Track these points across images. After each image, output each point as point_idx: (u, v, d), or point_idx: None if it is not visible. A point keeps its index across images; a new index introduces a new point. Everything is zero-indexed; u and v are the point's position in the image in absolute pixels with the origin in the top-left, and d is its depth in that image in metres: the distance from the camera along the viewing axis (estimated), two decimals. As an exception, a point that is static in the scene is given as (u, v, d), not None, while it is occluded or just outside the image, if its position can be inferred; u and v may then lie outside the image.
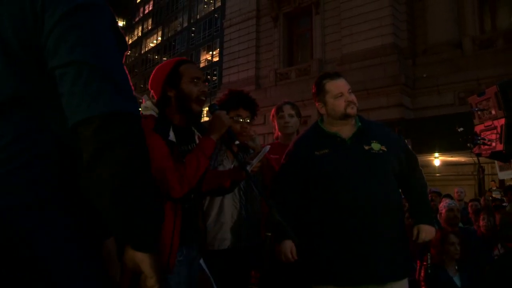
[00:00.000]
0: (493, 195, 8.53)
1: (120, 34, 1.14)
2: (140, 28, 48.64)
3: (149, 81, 2.21)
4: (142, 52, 45.73)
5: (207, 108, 2.40)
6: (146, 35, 47.20)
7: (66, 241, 1.01)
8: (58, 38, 0.99)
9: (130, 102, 1.02)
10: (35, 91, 1.04)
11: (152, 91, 2.20)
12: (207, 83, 2.28)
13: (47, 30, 1.00)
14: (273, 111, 3.29)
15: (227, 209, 2.63)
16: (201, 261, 2.32)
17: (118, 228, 1.03)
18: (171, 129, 2.04)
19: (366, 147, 2.42)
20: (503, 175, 5.15)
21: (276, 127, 3.27)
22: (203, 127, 2.27)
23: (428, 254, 3.26)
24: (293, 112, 3.21)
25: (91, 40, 1.00)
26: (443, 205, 4.77)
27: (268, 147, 2.45)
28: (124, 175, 0.98)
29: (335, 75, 2.58)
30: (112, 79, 1.00)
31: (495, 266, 2.69)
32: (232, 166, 2.71)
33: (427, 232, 2.45)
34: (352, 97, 2.50)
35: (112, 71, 1.01)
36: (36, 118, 1.04)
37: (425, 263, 3.52)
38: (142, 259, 1.06)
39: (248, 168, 2.31)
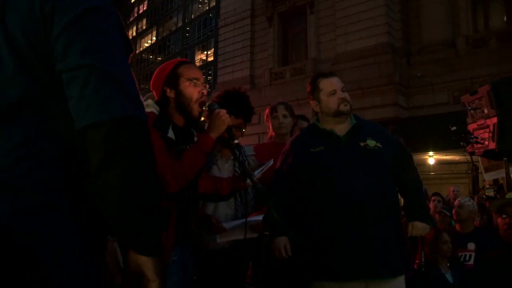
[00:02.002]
0: (487, 193, 8.56)
1: (126, 36, 1.14)
2: (134, 28, 48.49)
3: (151, 82, 2.23)
4: (137, 52, 45.60)
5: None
6: (141, 35, 47.07)
7: (71, 244, 1.01)
8: (67, 41, 0.99)
9: (138, 107, 1.02)
10: (43, 93, 1.04)
11: (154, 92, 2.22)
12: (207, 85, 2.29)
13: (56, 33, 1.00)
14: (267, 111, 3.33)
15: (221, 209, 2.63)
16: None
17: (123, 232, 1.04)
18: (170, 127, 2.06)
19: (362, 144, 2.44)
20: (488, 176, 5.20)
21: (271, 127, 3.31)
22: (202, 128, 2.28)
23: (422, 252, 3.29)
24: (286, 113, 3.25)
25: (101, 44, 1.01)
26: (457, 199, 4.79)
27: (272, 162, 2.45)
28: (133, 180, 0.98)
29: (329, 74, 2.63)
30: (121, 84, 1.00)
31: (488, 263, 2.71)
32: (226, 165, 2.71)
33: (419, 228, 2.47)
34: (345, 95, 2.52)
35: (121, 76, 1.01)
36: (45, 120, 1.04)
37: (417, 261, 3.55)
38: (145, 263, 1.06)
39: (248, 182, 2.32)
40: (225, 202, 2.64)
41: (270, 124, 3.32)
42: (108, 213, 1.01)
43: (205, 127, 2.22)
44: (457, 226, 4.58)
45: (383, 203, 2.34)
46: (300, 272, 2.44)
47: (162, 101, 2.15)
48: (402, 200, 2.74)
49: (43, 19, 1.01)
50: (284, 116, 3.23)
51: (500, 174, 4.99)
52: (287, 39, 18.20)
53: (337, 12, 15.64)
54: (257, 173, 2.33)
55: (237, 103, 2.67)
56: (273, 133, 3.31)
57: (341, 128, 2.52)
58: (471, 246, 4.30)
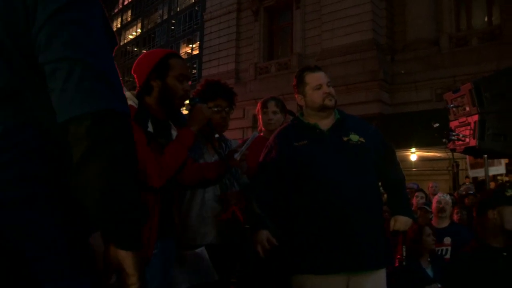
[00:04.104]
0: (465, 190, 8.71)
1: (110, 29, 1.12)
2: (119, 19, 47.91)
3: (134, 65, 2.17)
4: (121, 44, 45.09)
5: (186, 101, 2.40)
6: (126, 27, 46.54)
7: (53, 237, 1.00)
8: (50, 33, 0.97)
9: (121, 100, 1.02)
10: (23, 85, 1.02)
11: (135, 75, 2.17)
12: (190, 82, 2.28)
13: (39, 24, 0.98)
14: (259, 105, 3.32)
15: (209, 203, 2.62)
16: (203, 249, 2.40)
17: (103, 225, 1.03)
18: (149, 120, 2.04)
19: (345, 138, 2.44)
20: (474, 173, 5.32)
21: (261, 122, 3.30)
22: (184, 120, 2.27)
23: (403, 247, 3.33)
24: (277, 109, 3.23)
25: (85, 36, 0.99)
26: (438, 195, 4.90)
27: (256, 134, 2.45)
28: (114, 174, 0.98)
29: (315, 68, 2.62)
30: (105, 77, 0.99)
31: (463, 257, 2.76)
32: (213, 159, 2.71)
33: (402, 222, 2.48)
34: (331, 90, 2.53)
35: (105, 69, 1.00)
36: (26, 112, 1.02)
37: (399, 256, 3.59)
38: (125, 257, 1.05)
39: (237, 156, 2.31)
40: (212, 197, 2.63)
41: (260, 118, 3.31)
42: (89, 206, 1.00)
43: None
44: (434, 221, 4.67)
45: (366, 197, 2.35)
46: (283, 266, 2.45)
47: (144, 89, 2.12)
48: (385, 195, 2.76)
49: (25, 9, 0.99)
50: (274, 113, 3.22)
51: (480, 172, 5.10)
52: (273, 34, 18.22)
53: (323, 7, 15.70)
54: (244, 148, 2.32)
55: (214, 87, 2.70)
56: (263, 128, 3.31)
57: (325, 123, 2.52)
58: (447, 240, 4.40)
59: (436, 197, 4.87)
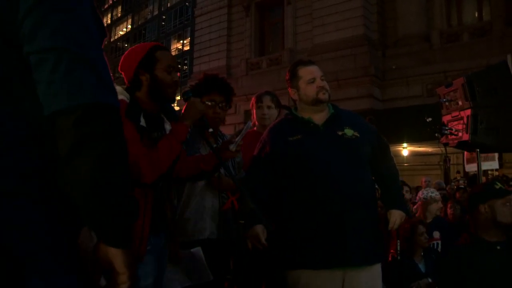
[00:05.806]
0: (459, 183, 8.78)
1: (99, 19, 1.08)
2: (109, 15, 47.63)
3: (120, 63, 2.16)
4: (112, 40, 44.85)
5: (178, 97, 2.37)
6: (116, 22, 46.28)
7: (40, 231, 0.97)
8: (36, 21, 0.93)
9: (112, 93, 0.98)
10: (10, 74, 0.98)
11: (122, 73, 2.15)
12: (179, 73, 2.26)
13: (25, 11, 0.93)
14: (253, 99, 3.30)
15: (207, 199, 2.60)
16: (199, 249, 2.37)
17: (92, 222, 1.00)
18: (141, 115, 2.01)
19: (339, 133, 2.43)
20: (469, 168, 5.35)
21: (255, 116, 3.28)
22: (177, 114, 2.24)
23: (397, 241, 3.33)
24: (271, 104, 3.22)
25: (73, 26, 0.95)
26: (423, 190, 4.94)
27: (250, 123, 2.43)
28: (104, 169, 0.95)
29: (308, 62, 2.62)
30: (94, 69, 0.95)
31: (457, 251, 2.76)
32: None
33: (397, 216, 2.46)
34: (324, 84, 2.51)
35: (94, 61, 0.96)
36: (13, 103, 0.98)
37: (392, 250, 3.60)
38: (115, 255, 1.02)
39: (232, 147, 2.28)
40: (211, 194, 2.61)
41: (254, 113, 3.29)
42: (78, 201, 0.97)
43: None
44: (419, 215, 4.71)
45: (360, 191, 2.35)
46: (277, 261, 2.43)
47: (133, 84, 2.10)
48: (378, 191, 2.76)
49: None
50: (268, 107, 3.20)
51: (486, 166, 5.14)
52: (264, 29, 18.19)
53: (314, 3, 15.70)
54: (238, 139, 2.30)
55: (210, 81, 2.69)
56: (256, 122, 3.29)
57: (319, 117, 2.51)
58: (436, 234, 4.46)
59: (423, 192, 4.92)
